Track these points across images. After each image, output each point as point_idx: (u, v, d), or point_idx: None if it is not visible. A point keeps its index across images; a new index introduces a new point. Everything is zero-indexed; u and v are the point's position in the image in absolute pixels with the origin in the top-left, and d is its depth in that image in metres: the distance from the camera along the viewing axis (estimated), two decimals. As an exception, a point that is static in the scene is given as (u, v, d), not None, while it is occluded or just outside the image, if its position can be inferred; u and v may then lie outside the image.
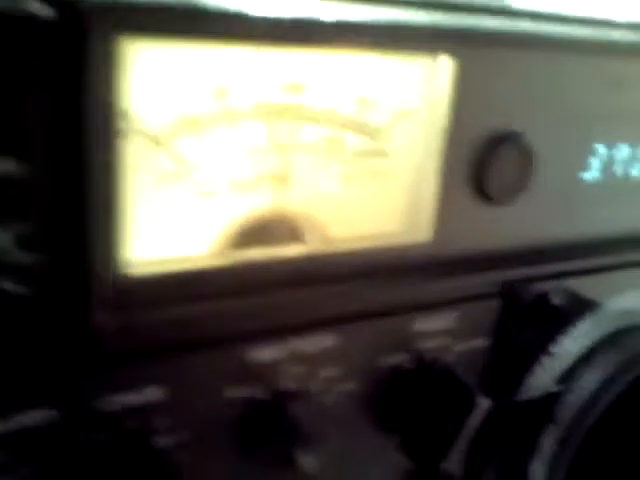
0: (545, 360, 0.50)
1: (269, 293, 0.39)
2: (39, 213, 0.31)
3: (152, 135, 0.34)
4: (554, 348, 0.50)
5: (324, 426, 0.43)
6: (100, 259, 0.33)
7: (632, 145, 0.52)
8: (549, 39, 0.44)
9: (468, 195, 0.45)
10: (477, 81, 0.42)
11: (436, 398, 0.44)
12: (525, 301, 0.49)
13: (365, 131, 0.40)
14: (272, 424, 0.40)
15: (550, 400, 0.48)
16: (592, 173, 0.50)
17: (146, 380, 0.37)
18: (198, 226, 0.37)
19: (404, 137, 0.42)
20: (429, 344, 0.46)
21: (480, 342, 0.49)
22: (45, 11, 0.29)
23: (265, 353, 0.40)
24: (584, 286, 0.52)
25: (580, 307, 0.51)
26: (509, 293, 0.48)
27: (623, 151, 0.51)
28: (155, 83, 0.33)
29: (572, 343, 0.51)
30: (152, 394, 0.37)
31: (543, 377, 0.50)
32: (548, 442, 0.48)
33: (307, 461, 0.39)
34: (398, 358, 0.45)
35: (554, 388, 0.49)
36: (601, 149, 0.50)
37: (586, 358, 0.50)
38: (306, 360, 0.42)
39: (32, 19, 0.29)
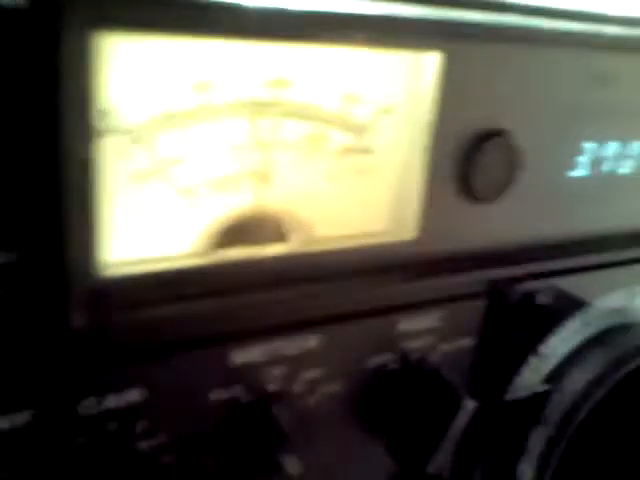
0: (533, 360, 0.50)
1: (252, 293, 0.39)
2: (14, 212, 0.31)
3: (131, 132, 0.34)
4: (542, 348, 0.50)
5: (308, 428, 0.42)
6: (78, 259, 0.33)
7: (621, 142, 0.51)
8: (537, 34, 0.44)
9: (454, 193, 0.44)
10: (463, 76, 0.42)
11: (422, 399, 0.44)
12: (511, 300, 0.48)
13: (350, 127, 0.40)
14: (255, 426, 0.40)
15: (538, 400, 0.48)
16: (580, 170, 0.50)
17: (126, 382, 0.36)
18: (179, 225, 0.37)
19: (389, 133, 0.41)
20: (414, 344, 0.46)
21: (466, 342, 0.49)
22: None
23: (248, 354, 0.40)
24: (572, 285, 0.52)
25: (569, 306, 0.51)
26: (495, 292, 0.48)
27: (612, 148, 0.51)
28: (134, 78, 0.33)
29: (560, 342, 0.51)
30: (132, 396, 0.37)
31: (531, 377, 0.50)
32: (536, 442, 0.48)
33: (291, 463, 0.39)
34: (383, 358, 0.45)
35: (542, 388, 0.49)
36: (589, 146, 0.50)
37: (574, 357, 0.50)
38: (290, 361, 0.41)
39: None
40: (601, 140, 0.50)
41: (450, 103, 0.42)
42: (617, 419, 0.57)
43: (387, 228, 0.43)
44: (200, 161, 0.36)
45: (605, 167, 0.51)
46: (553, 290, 0.50)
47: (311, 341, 0.42)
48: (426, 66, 0.40)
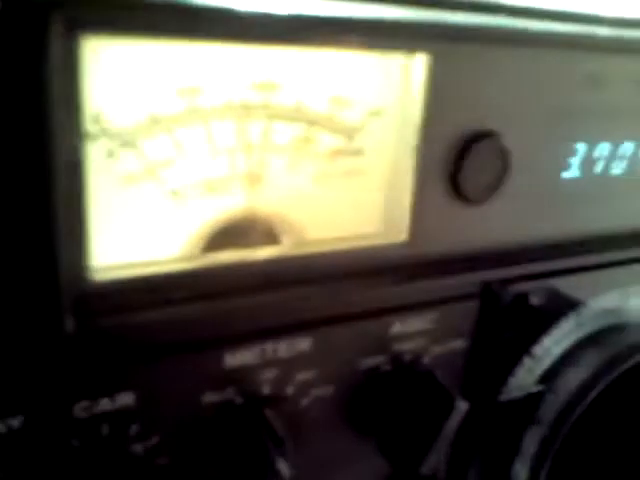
0: (527, 361, 0.50)
1: (244, 296, 0.39)
2: (2, 217, 0.31)
3: (119, 135, 0.34)
4: (536, 349, 0.50)
5: (301, 430, 0.42)
6: (66, 264, 0.33)
7: (613, 143, 0.51)
8: (527, 35, 0.44)
9: (444, 194, 0.44)
10: (452, 78, 0.42)
11: (414, 400, 0.44)
12: (504, 301, 0.48)
13: (340, 130, 0.40)
14: (248, 428, 0.40)
15: (533, 401, 0.48)
16: (572, 171, 0.50)
17: (118, 386, 0.37)
18: (169, 229, 0.37)
19: (379, 135, 0.41)
20: (407, 346, 0.46)
21: (459, 344, 0.49)
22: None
23: (240, 357, 0.40)
24: (565, 285, 0.51)
25: (562, 307, 0.51)
26: (488, 293, 0.48)
27: (603, 149, 0.51)
28: (123, 81, 0.33)
29: (554, 343, 0.51)
30: (125, 399, 0.37)
31: (525, 378, 0.50)
32: (531, 443, 0.48)
33: (283, 465, 0.39)
34: (375, 360, 0.45)
35: (536, 388, 0.49)
36: (581, 147, 0.50)
37: (568, 358, 0.50)
38: (282, 363, 0.41)
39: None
40: (592, 141, 0.50)
41: (439, 105, 0.42)
42: (611, 419, 0.57)
43: (378, 230, 0.43)
44: (190, 164, 0.36)
45: (597, 168, 0.51)
46: (546, 291, 0.50)
47: (303, 343, 0.42)
48: (415, 68, 0.40)
